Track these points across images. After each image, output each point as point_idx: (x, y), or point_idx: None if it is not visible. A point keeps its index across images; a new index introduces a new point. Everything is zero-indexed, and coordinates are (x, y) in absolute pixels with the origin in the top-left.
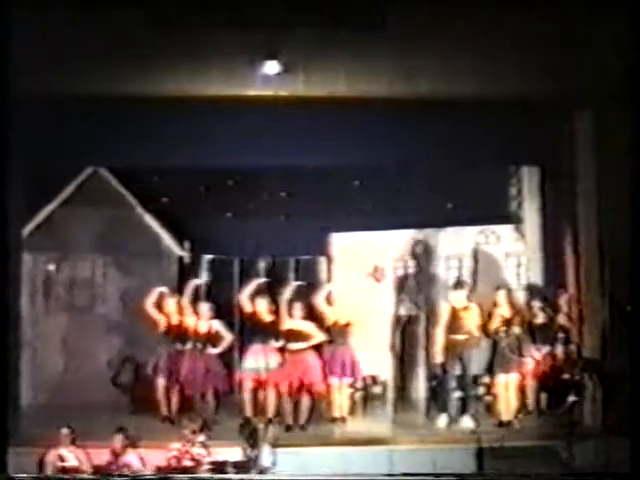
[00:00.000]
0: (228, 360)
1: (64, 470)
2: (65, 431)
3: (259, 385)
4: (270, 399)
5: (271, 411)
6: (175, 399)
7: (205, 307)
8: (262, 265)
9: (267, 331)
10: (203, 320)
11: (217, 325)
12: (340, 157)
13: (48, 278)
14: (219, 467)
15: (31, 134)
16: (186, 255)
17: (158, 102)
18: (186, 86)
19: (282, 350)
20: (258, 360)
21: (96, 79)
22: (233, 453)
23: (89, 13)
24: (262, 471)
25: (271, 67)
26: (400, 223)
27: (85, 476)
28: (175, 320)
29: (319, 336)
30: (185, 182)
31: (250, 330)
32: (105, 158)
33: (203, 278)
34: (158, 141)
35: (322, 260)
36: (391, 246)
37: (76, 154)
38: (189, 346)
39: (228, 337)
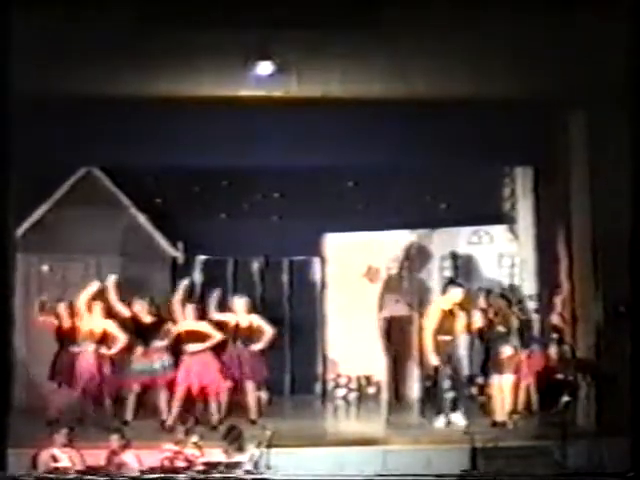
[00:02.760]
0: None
1: (57, 470)
2: (64, 431)
3: (149, 387)
4: (162, 400)
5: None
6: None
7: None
8: (255, 265)
9: (152, 332)
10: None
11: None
12: (334, 158)
13: (41, 279)
14: (212, 468)
15: (23, 135)
16: (180, 256)
17: (151, 103)
18: (179, 87)
19: (176, 351)
20: (148, 362)
21: (88, 80)
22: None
23: (79, 13)
24: (255, 471)
25: (264, 67)
26: (394, 224)
27: (83, 476)
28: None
29: (216, 336)
30: (179, 183)
31: (137, 332)
32: (98, 159)
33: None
34: (151, 142)
35: (316, 261)
36: (385, 247)
37: (69, 155)
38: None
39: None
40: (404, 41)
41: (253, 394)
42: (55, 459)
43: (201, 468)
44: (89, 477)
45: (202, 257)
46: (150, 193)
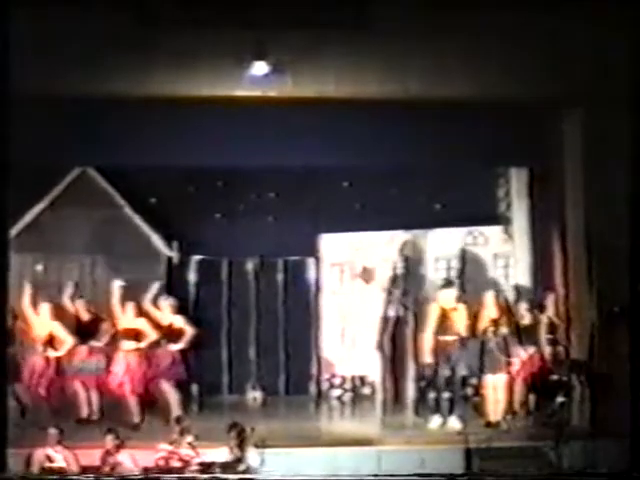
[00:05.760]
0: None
1: (51, 470)
2: (52, 431)
3: (87, 386)
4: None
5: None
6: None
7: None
8: (250, 266)
9: (91, 331)
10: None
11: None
12: (329, 158)
13: (36, 279)
14: (207, 468)
15: (18, 134)
16: (175, 255)
17: (147, 102)
18: (175, 86)
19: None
20: (88, 362)
21: (84, 79)
22: (221, 454)
23: (76, 13)
24: (250, 471)
25: (260, 68)
26: (389, 224)
27: (79, 477)
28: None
29: (152, 335)
30: (174, 183)
31: (79, 331)
32: (93, 158)
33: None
34: (147, 141)
35: (311, 261)
36: (380, 247)
37: (64, 154)
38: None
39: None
40: (399, 41)
41: (171, 394)
42: (50, 459)
43: (196, 468)
44: (86, 477)
45: (197, 257)
46: (145, 193)
